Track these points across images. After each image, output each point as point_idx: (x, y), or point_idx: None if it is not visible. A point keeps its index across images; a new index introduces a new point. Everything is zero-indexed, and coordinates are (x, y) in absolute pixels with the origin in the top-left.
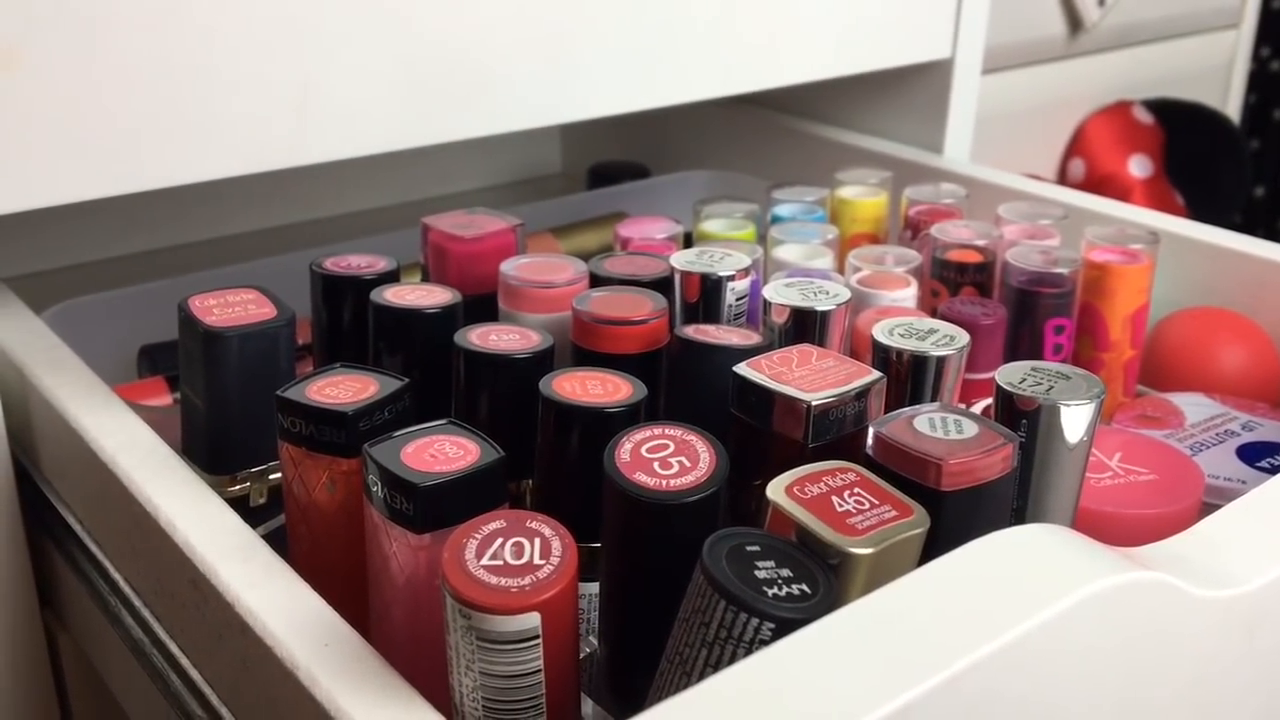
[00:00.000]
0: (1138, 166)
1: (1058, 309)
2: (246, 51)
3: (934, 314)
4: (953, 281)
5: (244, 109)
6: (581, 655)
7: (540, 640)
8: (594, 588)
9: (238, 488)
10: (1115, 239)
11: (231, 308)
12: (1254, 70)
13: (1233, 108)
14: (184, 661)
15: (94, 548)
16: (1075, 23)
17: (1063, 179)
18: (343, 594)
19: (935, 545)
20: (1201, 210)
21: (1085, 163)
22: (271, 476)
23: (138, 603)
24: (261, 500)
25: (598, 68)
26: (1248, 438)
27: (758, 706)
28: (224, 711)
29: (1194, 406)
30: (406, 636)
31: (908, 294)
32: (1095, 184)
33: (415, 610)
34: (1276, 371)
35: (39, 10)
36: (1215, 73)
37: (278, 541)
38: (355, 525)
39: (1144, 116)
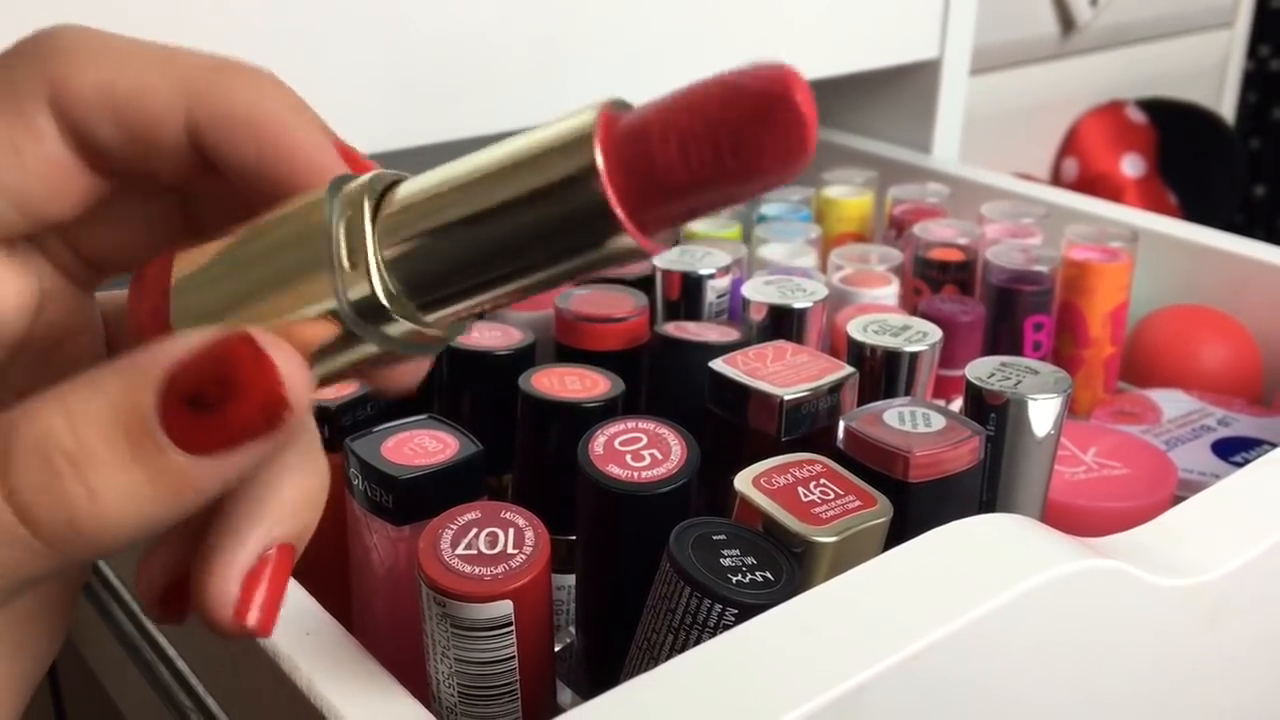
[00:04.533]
0: (1131, 166)
1: (1037, 306)
2: (235, 52)
3: (914, 312)
4: (934, 280)
5: None
6: (561, 645)
7: (513, 627)
8: (572, 579)
9: None
10: (1095, 237)
11: None
12: (1253, 69)
13: (1227, 107)
14: (171, 652)
15: None
16: (1068, 22)
17: (1056, 179)
18: (325, 584)
19: (903, 536)
20: (1195, 209)
21: (1078, 162)
22: None
23: (127, 596)
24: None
25: (589, 67)
26: (1223, 433)
27: (716, 685)
28: (210, 701)
29: (1171, 402)
30: (386, 625)
31: (888, 292)
32: (1088, 184)
33: (395, 600)
34: (1257, 369)
35: (34, 16)
36: (1209, 72)
37: None
38: (338, 518)
39: (1137, 116)
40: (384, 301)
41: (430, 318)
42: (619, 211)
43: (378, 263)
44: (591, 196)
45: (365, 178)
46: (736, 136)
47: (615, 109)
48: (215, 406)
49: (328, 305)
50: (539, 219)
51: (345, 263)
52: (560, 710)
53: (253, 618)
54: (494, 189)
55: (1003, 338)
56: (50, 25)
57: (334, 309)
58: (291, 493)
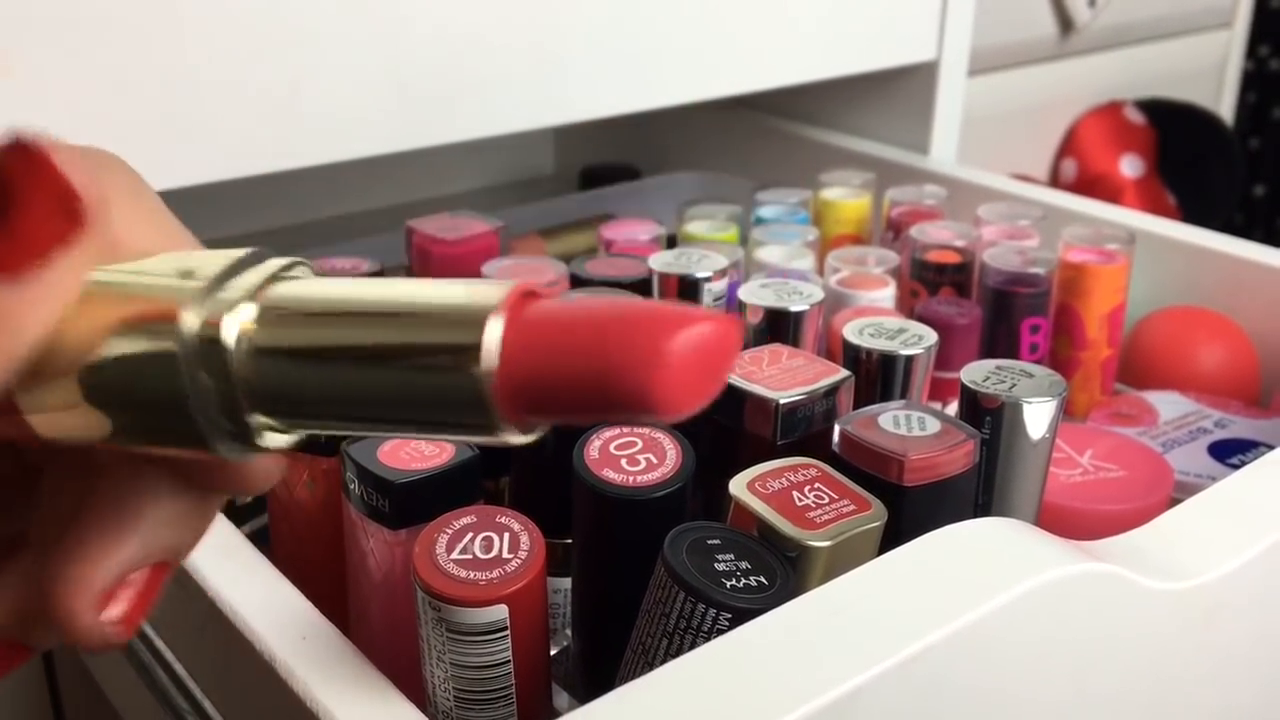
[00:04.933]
0: (1129, 166)
1: (1033, 309)
2: (235, 54)
3: (911, 314)
4: (931, 282)
5: (233, 112)
6: (557, 648)
7: (509, 632)
8: (568, 582)
9: None
10: (1092, 239)
11: None
12: (1252, 69)
13: (1226, 107)
14: (169, 656)
15: None
16: (1066, 23)
17: (1055, 180)
18: (323, 589)
19: (898, 539)
20: (1193, 210)
21: (1077, 163)
22: None
23: None
24: (247, 499)
25: (588, 70)
26: (1220, 435)
27: (710, 690)
28: (207, 704)
29: (1168, 404)
30: (383, 630)
31: (885, 294)
32: (1087, 184)
33: (392, 604)
34: (1254, 370)
35: (33, 17)
36: (1208, 72)
37: (263, 539)
38: (335, 522)
39: (1135, 117)
40: (228, 339)
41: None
42: (497, 402)
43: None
44: (472, 376)
45: (266, 265)
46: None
47: (530, 293)
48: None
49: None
50: (411, 376)
51: (204, 295)
52: (556, 714)
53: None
54: (381, 327)
55: (1000, 340)
56: (107, 152)
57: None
58: (164, 512)
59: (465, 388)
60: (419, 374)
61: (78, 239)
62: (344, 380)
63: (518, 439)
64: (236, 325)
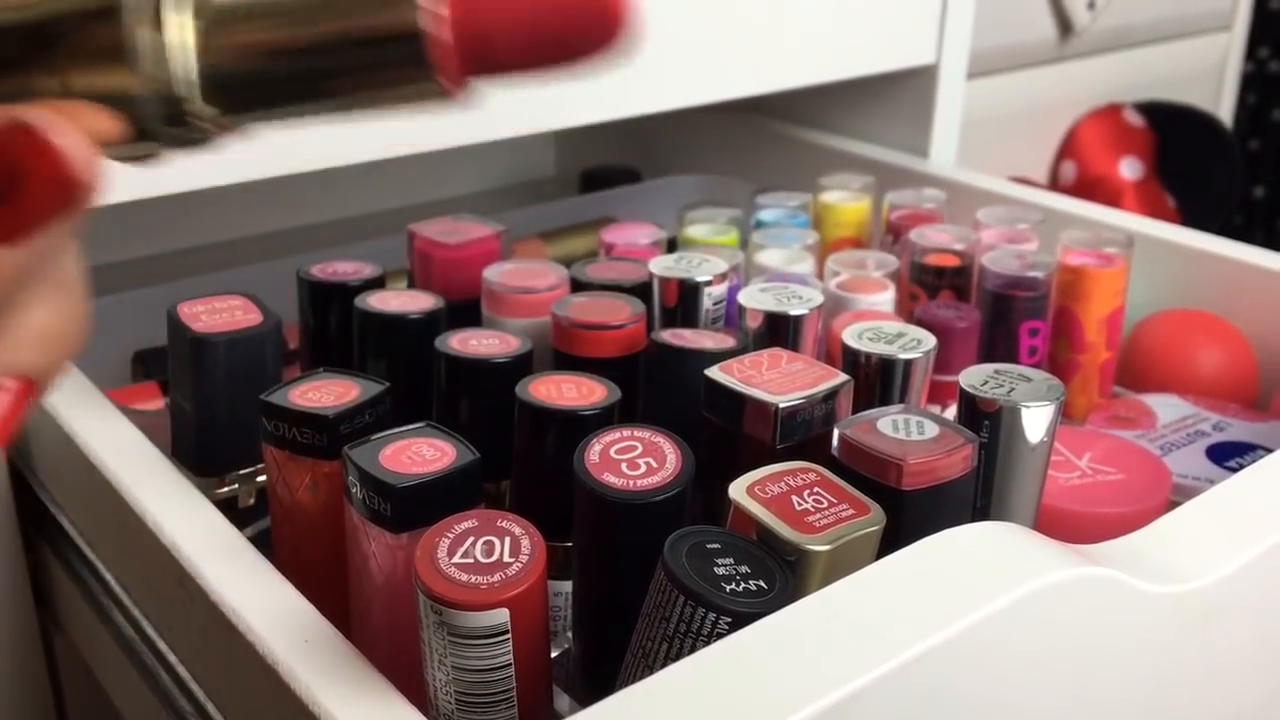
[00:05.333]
0: (1129, 169)
1: (1032, 312)
2: None
3: (910, 317)
4: (931, 285)
5: None
6: (558, 651)
7: (510, 635)
8: (569, 585)
9: (226, 489)
10: (1091, 243)
11: (219, 314)
12: (1252, 71)
13: (1225, 109)
14: (172, 658)
15: (87, 549)
16: (1065, 26)
17: (1054, 182)
18: (325, 592)
19: (897, 543)
20: (1193, 212)
21: (1077, 165)
22: (259, 479)
23: (128, 602)
24: (250, 501)
25: (588, 74)
26: (1217, 438)
27: (710, 693)
28: (210, 707)
29: (1166, 407)
30: (385, 633)
31: (884, 298)
32: (1087, 186)
33: (393, 608)
34: (1252, 373)
35: None
36: (1207, 75)
37: (265, 542)
38: (337, 526)
39: (1135, 119)
40: (196, 111)
41: (226, 119)
42: (446, 48)
43: (199, 68)
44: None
45: None
46: None
47: None
48: (8, 198)
49: (129, 101)
50: (357, 38)
51: (158, 58)
52: (557, 717)
53: None
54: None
55: (998, 343)
56: None
57: (136, 108)
58: (40, 322)
59: (411, 33)
60: (365, 35)
61: (73, 213)
62: (292, 64)
63: (455, 95)
64: (181, 36)
